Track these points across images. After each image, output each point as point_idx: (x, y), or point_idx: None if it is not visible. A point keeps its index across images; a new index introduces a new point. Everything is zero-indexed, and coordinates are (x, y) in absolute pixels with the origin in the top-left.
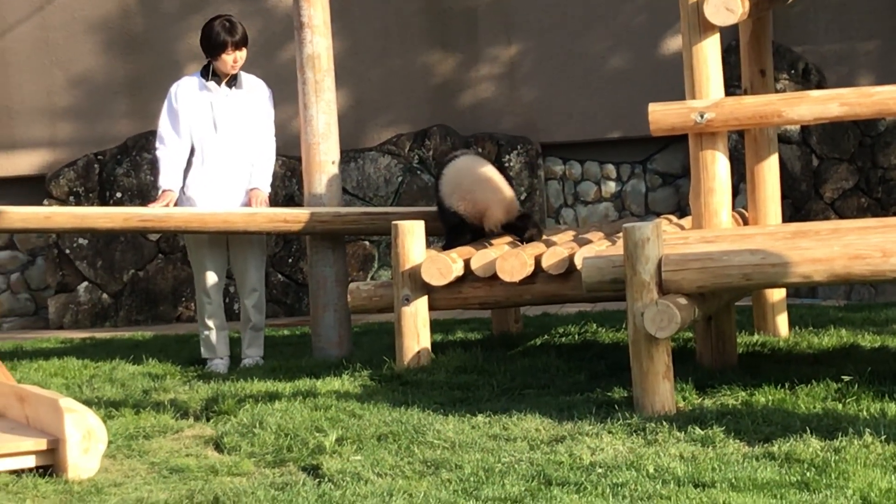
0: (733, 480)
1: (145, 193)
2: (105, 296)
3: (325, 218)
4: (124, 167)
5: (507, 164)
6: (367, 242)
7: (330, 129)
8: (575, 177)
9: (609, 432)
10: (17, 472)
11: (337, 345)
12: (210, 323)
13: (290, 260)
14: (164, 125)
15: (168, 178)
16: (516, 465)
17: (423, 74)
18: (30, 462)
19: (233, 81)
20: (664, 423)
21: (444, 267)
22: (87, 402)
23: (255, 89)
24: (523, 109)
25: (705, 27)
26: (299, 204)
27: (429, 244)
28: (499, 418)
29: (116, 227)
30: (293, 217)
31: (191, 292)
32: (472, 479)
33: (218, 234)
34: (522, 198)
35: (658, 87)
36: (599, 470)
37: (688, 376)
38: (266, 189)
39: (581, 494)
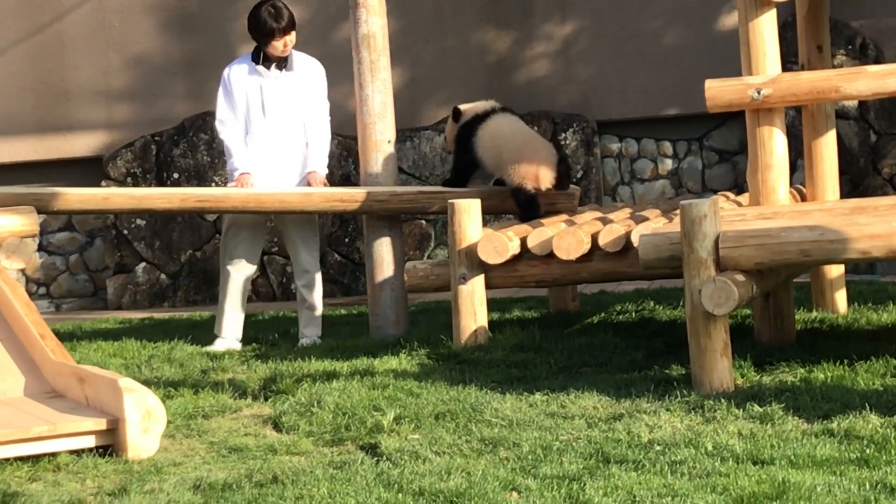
0: (792, 458)
1: (202, 174)
2: (163, 276)
3: (382, 197)
4: (181, 148)
5: (562, 142)
6: (423, 221)
7: (386, 109)
8: (631, 154)
9: (667, 410)
10: (78, 452)
11: (394, 324)
12: (225, 305)
13: (346, 239)
14: (221, 108)
15: (242, 160)
16: (574, 443)
17: (477, 52)
18: (90, 442)
19: (283, 63)
20: (722, 400)
21: (500, 245)
22: (146, 383)
23: (307, 70)
24: (578, 87)
25: (762, 3)
26: (355, 183)
27: (485, 223)
28: (556, 396)
29: (174, 207)
30: (349, 196)
31: None
32: (529, 457)
33: (274, 213)
34: (578, 176)
35: (714, 63)
36: (658, 448)
37: (746, 353)
38: (323, 171)
39: (639, 472)
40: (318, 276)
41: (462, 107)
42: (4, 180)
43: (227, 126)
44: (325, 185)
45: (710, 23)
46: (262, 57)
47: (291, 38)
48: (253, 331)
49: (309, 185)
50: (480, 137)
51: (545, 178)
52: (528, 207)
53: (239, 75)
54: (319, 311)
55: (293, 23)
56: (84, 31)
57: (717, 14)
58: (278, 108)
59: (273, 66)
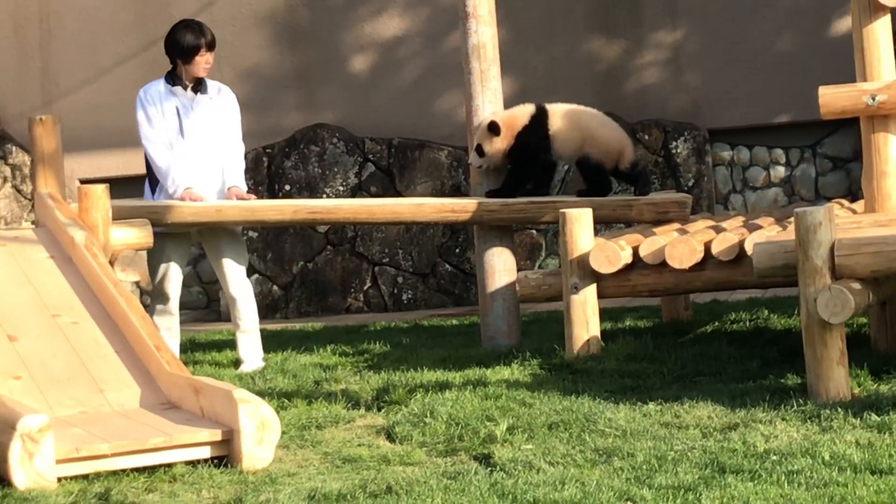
0: None
1: (313, 186)
2: (275, 287)
3: (493, 207)
4: (292, 160)
5: (674, 151)
6: (534, 231)
7: None
8: (743, 162)
9: (783, 419)
10: (193, 463)
11: (506, 334)
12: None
13: (457, 250)
14: (145, 128)
15: (182, 176)
16: (689, 453)
17: (587, 61)
18: (205, 453)
19: (199, 86)
20: (839, 409)
21: (612, 254)
22: (260, 393)
23: (221, 94)
24: (689, 95)
25: (876, 8)
26: (466, 194)
27: (597, 232)
28: (670, 406)
29: (286, 219)
30: (461, 207)
31: (360, 283)
32: (644, 467)
33: (384, 224)
34: (690, 184)
35: (827, 69)
36: (774, 457)
37: (863, 362)
38: (243, 186)
39: (756, 482)
40: (251, 296)
41: (497, 120)
42: (123, 193)
43: (155, 145)
44: (247, 198)
45: (823, 28)
46: (176, 80)
47: (212, 57)
48: (364, 342)
49: (235, 199)
50: (557, 130)
51: (627, 156)
52: (601, 183)
53: (156, 97)
54: (257, 333)
55: (215, 42)
56: None
57: (829, 19)
58: (196, 129)
59: (189, 88)
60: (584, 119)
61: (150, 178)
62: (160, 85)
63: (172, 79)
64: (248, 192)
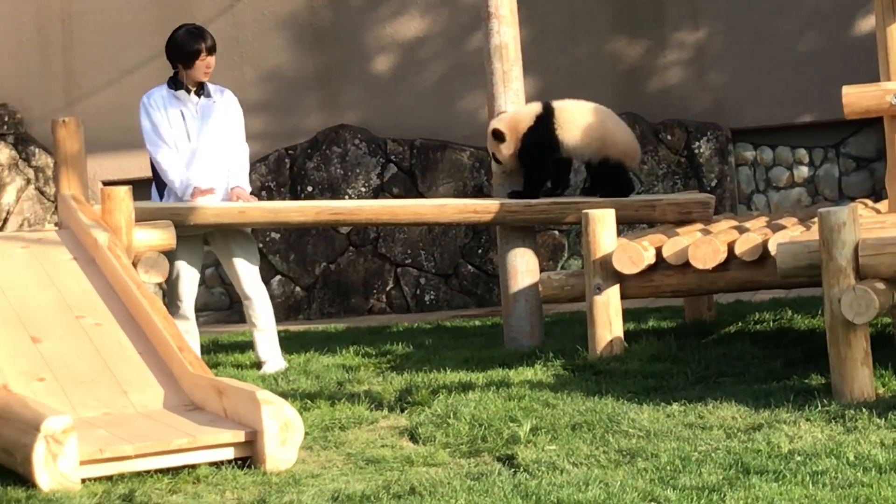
0: None
1: (335, 187)
2: (298, 289)
3: (516, 208)
4: (314, 161)
5: (696, 151)
6: (556, 232)
7: None
8: (766, 162)
9: (807, 420)
10: (217, 464)
11: (529, 335)
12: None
13: (479, 251)
14: (149, 134)
15: (191, 178)
16: (713, 454)
17: (610, 61)
18: (228, 454)
19: (202, 90)
20: (863, 409)
21: (635, 255)
22: (283, 395)
23: (223, 97)
24: (712, 95)
25: None
26: (488, 195)
27: (619, 232)
28: (694, 406)
29: (308, 220)
30: (483, 208)
31: (382, 284)
32: (668, 467)
33: (406, 225)
34: (713, 184)
35: (850, 69)
36: (798, 458)
37: (887, 362)
38: (246, 187)
39: (780, 483)
40: (266, 295)
41: (500, 126)
42: (146, 195)
43: (162, 149)
44: (249, 199)
45: (846, 28)
46: (179, 84)
47: (213, 61)
48: (387, 342)
49: (232, 199)
50: (565, 126)
51: (636, 158)
52: (624, 188)
53: (159, 102)
54: (274, 332)
55: (215, 46)
56: (218, 45)
57: (852, 19)
58: (201, 133)
59: (192, 92)
60: (595, 114)
61: (157, 182)
62: (163, 90)
63: (175, 83)
64: (251, 192)
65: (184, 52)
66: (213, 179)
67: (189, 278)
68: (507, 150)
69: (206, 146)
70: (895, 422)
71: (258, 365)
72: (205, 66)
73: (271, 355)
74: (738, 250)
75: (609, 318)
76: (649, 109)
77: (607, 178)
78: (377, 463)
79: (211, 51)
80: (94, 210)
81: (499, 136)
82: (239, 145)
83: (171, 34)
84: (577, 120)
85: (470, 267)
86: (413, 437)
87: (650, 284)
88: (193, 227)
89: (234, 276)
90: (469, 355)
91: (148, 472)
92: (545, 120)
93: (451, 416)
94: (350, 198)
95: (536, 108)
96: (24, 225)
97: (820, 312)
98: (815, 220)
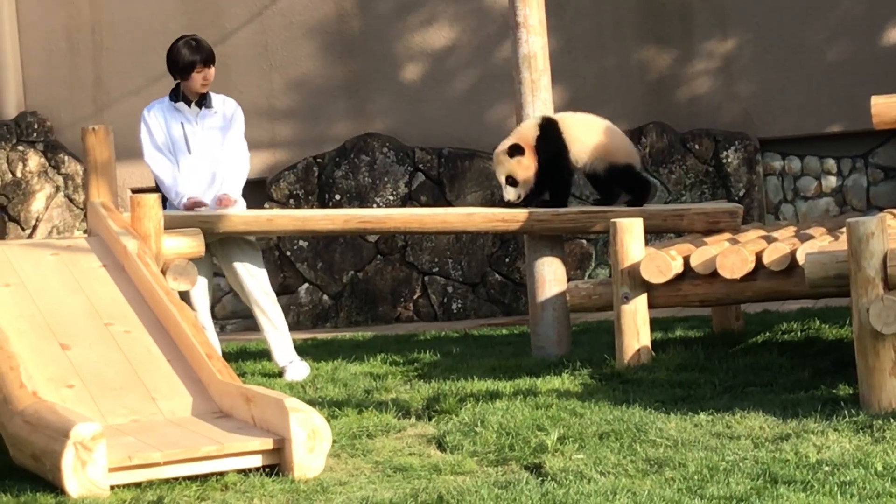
0: None
1: (363, 195)
2: (325, 297)
3: (543, 217)
4: (342, 169)
5: (724, 160)
6: (583, 241)
7: None
8: (794, 172)
9: (835, 430)
10: (245, 472)
11: (556, 343)
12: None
13: (507, 259)
14: (148, 147)
15: (185, 186)
16: (741, 464)
17: (638, 71)
18: (256, 462)
19: (203, 101)
20: (891, 420)
21: (663, 264)
22: (311, 402)
23: (226, 108)
24: (740, 104)
25: None
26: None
27: (646, 241)
28: (722, 416)
29: (336, 228)
30: (511, 217)
31: (409, 293)
32: (696, 477)
33: (434, 234)
34: (741, 194)
35: (879, 78)
36: (826, 468)
37: None
38: (235, 195)
39: (808, 493)
40: (275, 298)
41: (514, 140)
42: None
43: (159, 161)
44: (230, 205)
45: (875, 37)
46: (180, 96)
47: (211, 72)
48: (415, 351)
49: (218, 206)
50: (573, 139)
51: (639, 157)
52: (644, 186)
53: (160, 115)
54: (289, 336)
55: (213, 57)
56: (247, 53)
57: (881, 28)
58: (202, 144)
59: (193, 104)
60: (593, 123)
61: (161, 192)
62: (164, 102)
63: (176, 95)
64: (235, 200)
65: (179, 64)
66: (212, 191)
67: (200, 287)
68: (528, 161)
69: (206, 157)
70: None
71: (280, 373)
72: (202, 77)
73: (290, 358)
74: (766, 260)
75: (636, 328)
76: (677, 119)
77: (622, 183)
78: (405, 471)
79: (207, 62)
80: (124, 217)
81: (518, 150)
82: (236, 154)
83: (170, 46)
84: (579, 128)
85: (497, 276)
86: (440, 446)
87: (678, 294)
88: (228, 233)
89: (240, 284)
90: (496, 364)
91: (176, 479)
92: (552, 129)
93: (479, 424)
94: (378, 206)
95: (537, 120)
96: (54, 232)
97: (848, 322)
98: (844, 230)
